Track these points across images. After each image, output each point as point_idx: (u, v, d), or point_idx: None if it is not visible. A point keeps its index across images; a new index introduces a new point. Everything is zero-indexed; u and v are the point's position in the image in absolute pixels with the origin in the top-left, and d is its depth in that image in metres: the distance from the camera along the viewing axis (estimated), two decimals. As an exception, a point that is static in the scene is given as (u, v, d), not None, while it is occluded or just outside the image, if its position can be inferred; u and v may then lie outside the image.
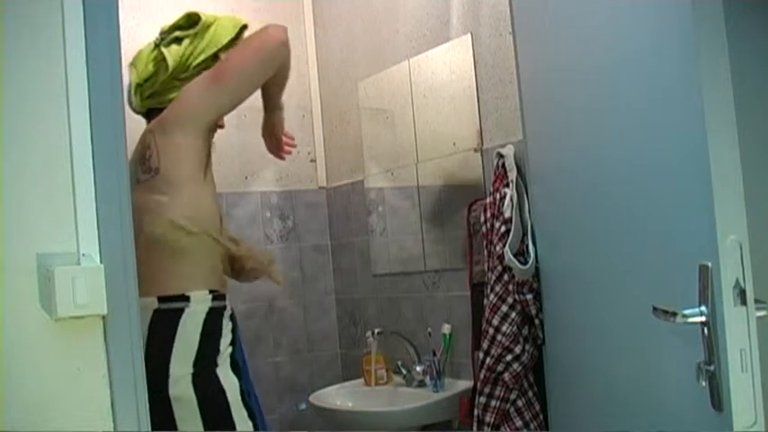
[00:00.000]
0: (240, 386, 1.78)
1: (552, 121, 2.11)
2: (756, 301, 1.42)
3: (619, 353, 1.87)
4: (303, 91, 3.53)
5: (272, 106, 2.08)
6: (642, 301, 1.62)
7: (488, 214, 2.42)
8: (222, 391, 1.74)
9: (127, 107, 1.91)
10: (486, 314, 2.34)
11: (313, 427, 3.21)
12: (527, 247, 2.25)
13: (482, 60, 2.70)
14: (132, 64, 1.92)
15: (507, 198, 2.33)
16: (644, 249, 1.72)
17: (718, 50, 1.43)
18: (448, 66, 2.84)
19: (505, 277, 2.30)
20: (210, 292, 1.78)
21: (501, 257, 2.28)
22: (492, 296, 2.34)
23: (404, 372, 2.93)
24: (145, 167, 1.81)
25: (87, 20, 1.23)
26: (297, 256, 3.49)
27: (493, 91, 2.66)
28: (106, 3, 1.26)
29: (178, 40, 1.90)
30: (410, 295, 3.09)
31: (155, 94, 1.91)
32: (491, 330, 2.31)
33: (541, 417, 2.33)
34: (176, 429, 1.69)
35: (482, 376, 2.34)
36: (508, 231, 2.28)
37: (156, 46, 1.91)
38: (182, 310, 1.73)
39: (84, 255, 1.20)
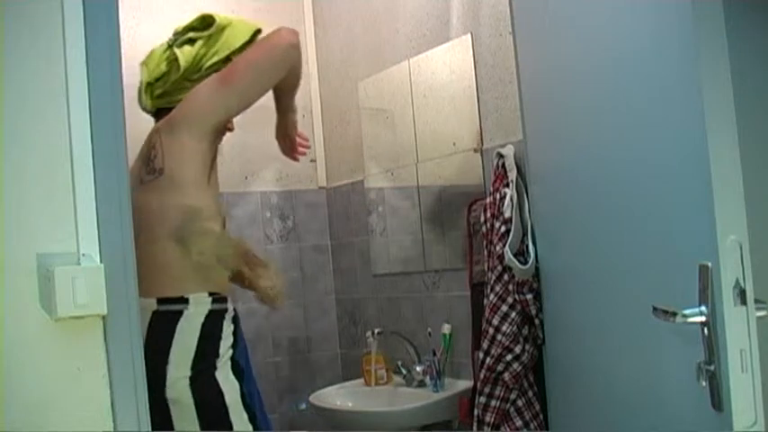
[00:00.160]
0: (241, 389, 1.76)
1: (552, 120, 2.11)
2: (756, 301, 1.41)
3: (619, 353, 1.87)
4: (303, 91, 3.47)
5: (284, 108, 2.07)
6: (642, 301, 1.61)
7: (488, 214, 2.42)
8: (220, 394, 1.73)
9: (136, 106, 1.92)
10: (486, 314, 2.34)
11: (313, 427, 3.20)
12: (527, 247, 2.25)
13: (482, 60, 2.69)
14: (144, 63, 1.92)
15: (507, 198, 2.33)
16: (644, 249, 1.72)
17: (718, 50, 1.43)
18: (448, 66, 2.84)
19: (505, 277, 2.30)
20: (210, 294, 1.78)
21: (501, 257, 2.28)
22: (492, 296, 2.34)
23: (404, 372, 2.93)
24: (149, 168, 1.80)
25: (87, 20, 1.23)
26: (297, 256, 3.48)
27: (493, 91, 2.66)
28: (106, 3, 1.26)
29: (191, 42, 1.89)
30: (410, 295, 3.09)
31: (165, 94, 1.90)
32: (491, 330, 2.31)
33: (541, 417, 2.33)
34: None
35: (482, 376, 2.34)
36: (508, 231, 2.28)
37: (170, 46, 1.90)
38: (180, 313, 1.73)
39: (84, 255, 1.20)
